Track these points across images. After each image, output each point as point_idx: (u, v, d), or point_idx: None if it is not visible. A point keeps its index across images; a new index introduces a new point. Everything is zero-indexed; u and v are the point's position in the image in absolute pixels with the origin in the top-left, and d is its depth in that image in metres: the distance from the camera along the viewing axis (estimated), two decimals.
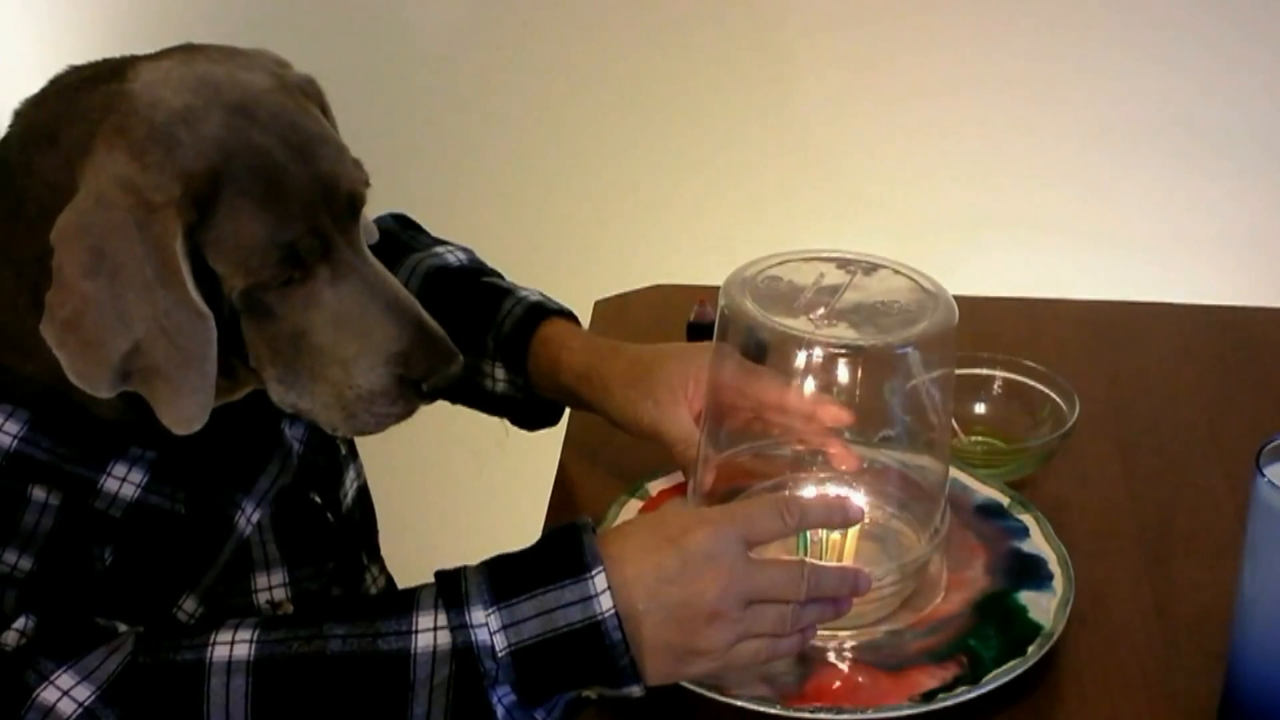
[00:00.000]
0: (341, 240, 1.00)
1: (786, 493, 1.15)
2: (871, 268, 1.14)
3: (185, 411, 0.96)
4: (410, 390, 1.03)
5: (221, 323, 0.97)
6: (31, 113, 1.00)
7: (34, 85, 1.02)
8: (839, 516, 1.04)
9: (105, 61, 1.00)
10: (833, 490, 1.16)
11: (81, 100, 0.97)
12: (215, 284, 0.96)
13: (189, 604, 1.04)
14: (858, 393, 1.11)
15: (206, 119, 0.95)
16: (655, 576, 0.96)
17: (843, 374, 1.10)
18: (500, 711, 0.96)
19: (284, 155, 0.97)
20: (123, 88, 0.96)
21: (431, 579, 0.99)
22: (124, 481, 1.01)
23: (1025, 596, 1.12)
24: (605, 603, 0.95)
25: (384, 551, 1.26)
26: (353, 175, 1.02)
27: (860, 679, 1.05)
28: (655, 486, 1.24)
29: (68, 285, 0.92)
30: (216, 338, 0.96)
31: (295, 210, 0.97)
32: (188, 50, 1.01)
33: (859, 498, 1.15)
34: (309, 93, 1.05)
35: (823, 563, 1.06)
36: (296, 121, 0.99)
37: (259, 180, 0.96)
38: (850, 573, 1.02)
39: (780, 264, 1.14)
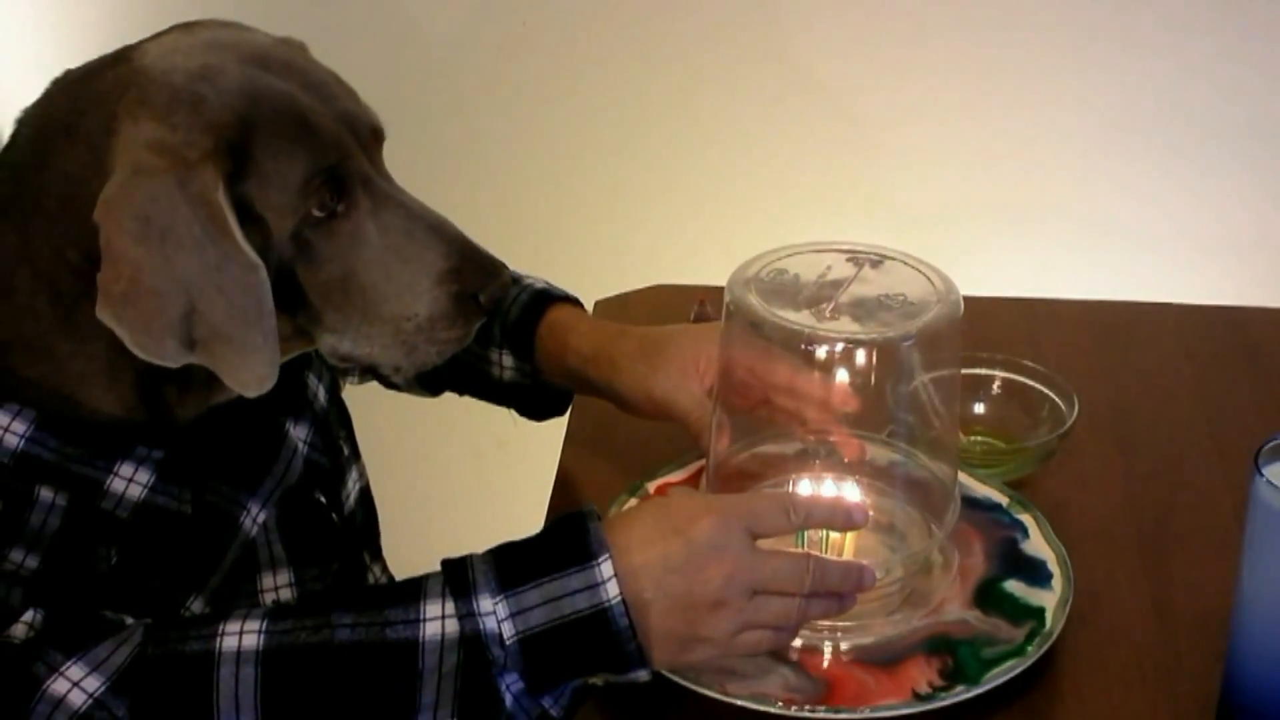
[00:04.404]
0: (373, 170, 1.02)
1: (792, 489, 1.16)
2: (879, 260, 1.14)
3: (254, 371, 0.97)
4: (469, 306, 1.04)
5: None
6: (38, 114, 1.00)
7: (34, 84, 1.02)
8: (842, 519, 1.04)
9: (102, 56, 1.01)
10: (838, 487, 1.16)
11: (90, 89, 0.97)
12: (263, 236, 0.97)
13: (196, 605, 1.04)
14: (862, 386, 1.11)
15: (224, 73, 0.97)
16: (661, 565, 0.96)
17: (846, 367, 1.10)
18: (508, 699, 0.96)
19: (305, 97, 0.99)
20: (132, 67, 0.97)
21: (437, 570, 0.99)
22: (130, 482, 1.01)
23: (1012, 585, 1.12)
24: (612, 590, 0.95)
25: (386, 551, 1.27)
26: (370, 110, 1.04)
27: (859, 677, 1.06)
28: (654, 486, 1.24)
29: (119, 257, 0.93)
30: (270, 291, 0.96)
31: (328, 141, 0.99)
32: (185, 25, 1.03)
33: (863, 496, 1.15)
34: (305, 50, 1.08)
35: (827, 557, 1.07)
36: (308, 69, 1.02)
37: (287, 120, 0.97)
38: (855, 568, 1.02)
39: (787, 257, 1.14)
